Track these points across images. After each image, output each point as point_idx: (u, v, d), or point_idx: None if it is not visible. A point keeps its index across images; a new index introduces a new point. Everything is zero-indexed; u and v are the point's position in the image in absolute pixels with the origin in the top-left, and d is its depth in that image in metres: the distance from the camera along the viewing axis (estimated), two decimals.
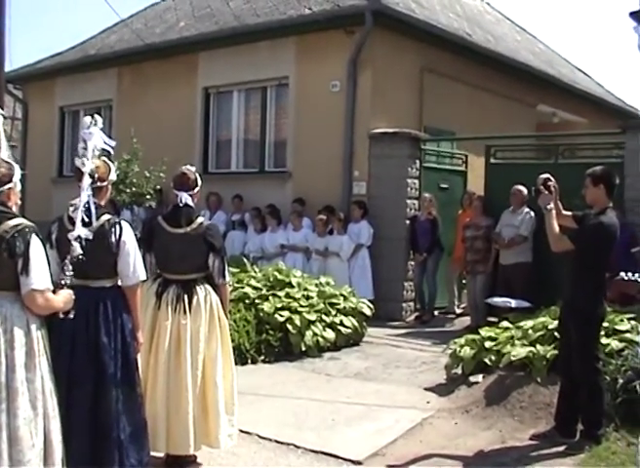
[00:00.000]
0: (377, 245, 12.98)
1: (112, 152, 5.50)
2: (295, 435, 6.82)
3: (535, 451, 6.46)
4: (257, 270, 11.77)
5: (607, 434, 6.47)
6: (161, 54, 16.34)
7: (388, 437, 6.86)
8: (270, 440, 6.72)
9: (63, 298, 4.51)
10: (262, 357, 9.85)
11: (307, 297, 10.76)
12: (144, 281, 5.89)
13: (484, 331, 8.70)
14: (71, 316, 4.60)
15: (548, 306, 8.71)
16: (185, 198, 5.96)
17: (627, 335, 7.52)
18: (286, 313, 10.23)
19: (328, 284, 11.41)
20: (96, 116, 5.22)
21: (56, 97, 19.31)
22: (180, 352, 5.73)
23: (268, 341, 9.98)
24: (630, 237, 10.13)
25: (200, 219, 5.95)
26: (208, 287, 5.92)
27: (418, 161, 13.31)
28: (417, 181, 13.27)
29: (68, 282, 4.58)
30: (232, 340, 9.43)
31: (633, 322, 7.81)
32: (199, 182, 6.12)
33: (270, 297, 10.58)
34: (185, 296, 5.81)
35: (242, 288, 10.86)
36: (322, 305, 10.65)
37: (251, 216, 14.20)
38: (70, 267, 4.62)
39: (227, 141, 15.97)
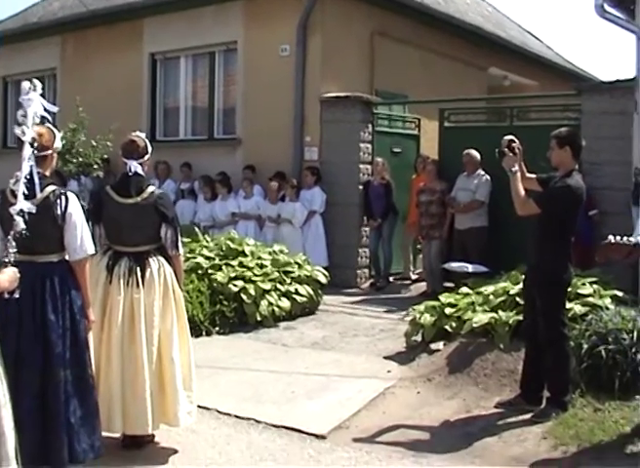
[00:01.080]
0: (330, 211, 12.77)
1: (52, 119, 5.15)
2: (255, 409, 6.61)
3: (501, 420, 6.34)
4: (209, 239, 11.49)
5: (573, 400, 6.35)
6: (105, 20, 15.85)
7: (351, 409, 6.68)
8: (230, 415, 6.50)
9: (8, 277, 4.19)
10: (217, 328, 9.62)
11: (261, 266, 10.51)
12: (94, 254, 5.64)
13: (444, 298, 8.54)
14: (16, 295, 4.30)
15: (507, 271, 8.59)
16: (135, 166, 5.65)
17: (590, 299, 7.44)
18: (240, 283, 9.99)
19: (282, 252, 11.18)
20: (35, 81, 4.87)
21: None
22: (135, 328, 5.45)
23: (223, 312, 9.74)
24: (588, 200, 10.07)
25: (151, 188, 5.65)
26: (161, 259, 5.64)
27: (370, 125, 13.06)
28: (369, 146, 13.03)
29: (12, 259, 4.27)
30: (186, 311, 9.37)
31: (595, 286, 7.71)
32: (149, 150, 5.82)
33: (223, 267, 10.32)
34: (138, 269, 5.52)
35: (194, 258, 10.58)
36: (276, 274, 10.42)
37: (200, 185, 13.87)
38: (14, 243, 4.32)
39: (175, 108, 15.58)
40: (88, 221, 5.20)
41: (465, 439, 5.99)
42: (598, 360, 6.55)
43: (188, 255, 10.64)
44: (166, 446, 5.79)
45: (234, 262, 10.43)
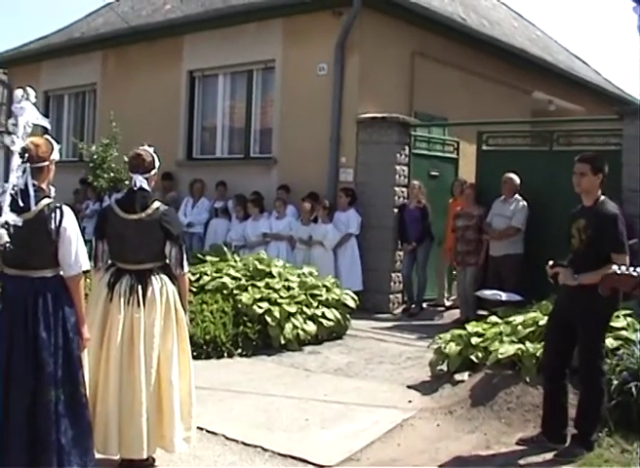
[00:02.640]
0: (364, 234, 12.51)
1: (49, 128, 4.98)
2: (264, 436, 6.34)
3: (522, 458, 5.98)
4: (237, 259, 11.30)
5: (599, 439, 5.99)
6: (146, 37, 15.80)
7: (364, 440, 6.38)
8: (237, 441, 6.24)
9: None
10: (239, 350, 9.38)
11: (288, 288, 10.28)
12: (97, 271, 5.47)
13: (471, 327, 8.22)
14: None
15: (539, 300, 8.25)
16: (140, 181, 5.45)
17: (623, 333, 7.05)
18: (265, 304, 9.76)
19: (311, 274, 10.94)
20: (28, 89, 4.69)
21: (40, 82, 18.70)
22: (134, 348, 5.23)
23: (246, 334, 9.51)
24: (627, 229, 9.69)
25: (156, 204, 5.43)
26: (164, 277, 5.42)
27: (407, 147, 12.79)
28: (406, 168, 12.76)
29: None
30: (207, 333, 9.20)
31: (630, 319, 7.33)
32: (156, 164, 5.62)
33: (249, 288, 10.12)
34: (139, 288, 5.31)
35: (220, 277, 10.43)
36: (303, 296, 10.18)
37: (234, 204, 13.71)
38: None
39: (212, 126, 15.48)
40: (93, 237, 5.02)
41: None
42: (628, 397, 6.21)
43: (215, 275, 10.54)
44: None
45: (261, 283, 10.23)
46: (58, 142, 4.80)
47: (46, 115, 18.40)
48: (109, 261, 5.53)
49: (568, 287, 5.97)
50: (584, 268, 5.85)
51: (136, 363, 5.22)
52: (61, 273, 4.68)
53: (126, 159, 13.02)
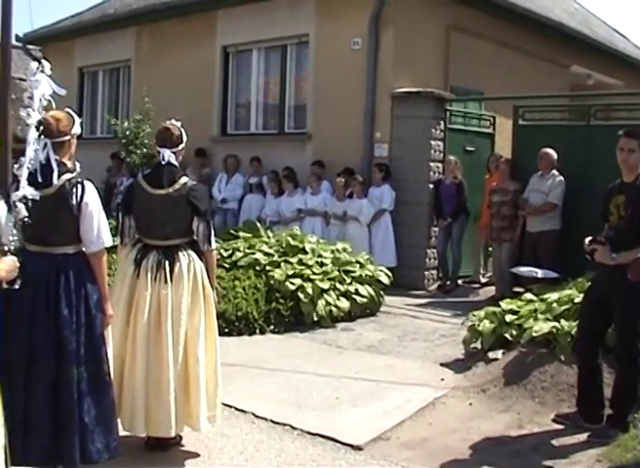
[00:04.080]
0: (398, 210, 12.37)
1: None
2: (293, 415, 6.28)
3: (555, 438, 5.88)
4: (270, 235, 11.24)
5: (635, 420, 5.86)
6: (179, 12, 15.67)
7: (395, 418, 6.29)
8: (266, 419, 6.18)
9: (6, 266, 3.91)
10: (272, 327, 9.35)
11: (321, 264, 10.20)
12: (124, 246, 5.42)
13: (505, 304, 8.08)
14: (16, 286, 4.04)
15: (575, 278, 8.10)
16: (168, 155, 5.37)
17: None
18: (298, 281, 9.70)
19: (345, 250, 10.85)
20: (43, 61, 4.60)
21: (75, 58, 18.77)
22: (161, 325, 5.17)
23: (278, 310, 9.47)
24: None
25: (184, 180, 5.34)
26: (192, 253, 5.34)
27: (442, 122, 12.60)
28: (441, 143, 12.58)
29: (12, 248, 3.99)
30: (240, 309, 9.16)
31: None
32: (184, 138, 5.53)
33: (282, 264, 10.07)
34: (167, 264, 5.24)
35: (253, 254, 10.38)
36: (336, 273, 10.09)
37: (268, 179, 13.62)
38: (15, 231, 4.05)
39: (247, 102, 15.37)
40: (119, 212, 4.96)
41: (514, 458, 5.55)
42: None
43: (247, 251, 10.50)
44: (191, 449, 5.51)
45: (293, 260, 10.16)
46: (79, 116, 4.72)
47: (81, 92, 18.54)
48: (136, 237, 5.46)
49: (605, 264, 5.82)
50: (623, 246, 5.70)
51: (163, 340, 5.16)
52: (84, 249, 4.62)
53: None
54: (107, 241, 4.62)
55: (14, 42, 20.60)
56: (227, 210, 14.24)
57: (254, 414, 6.28)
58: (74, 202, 4.46)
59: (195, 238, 5.38)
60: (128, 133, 13.16)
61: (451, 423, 6.29)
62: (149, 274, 5.23)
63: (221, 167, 14.66)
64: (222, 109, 15.41)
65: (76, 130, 4.71)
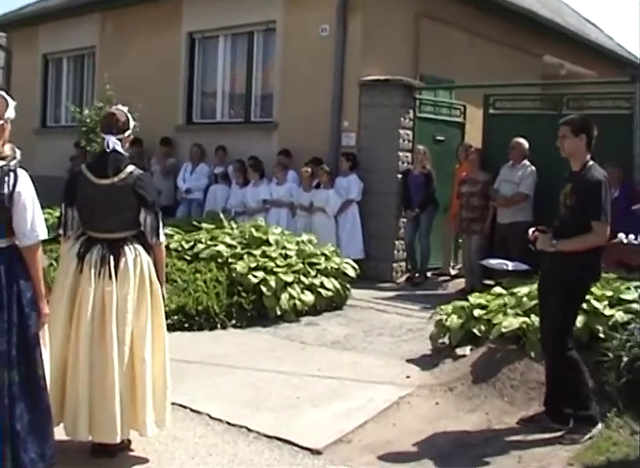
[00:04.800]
0: (366, 200, 12.10)
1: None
2: (250, 416, 5.97)
3: (523, 440, 5.59)
4: (234, 226, 10.92)
5: (608, 420, 5.60)
6: None
7: (358, 419, 5.99)
8: (221, 421, 5.86)
9: None
10: (234, 322, 9.03)
11: (285, 257, 9.90)
12: (66, 240, 5.08)
13: (473, 298, 7.82)
14: None
15: None
16: (113, 142, 5.01)
17: (634, 306, 6.61)
18: (260, 273, 9.38)
19: (310, 242, 10.56)
20: None
21: (39, 45, 18.33)
22: (105, 324, 4.83)
23: (240, 304, 9.16)
24: (630, 193, 9.32)
25: (130, 168, 5.00)
26: (139, 247, 5.01)
27: (411, 111, 12.31)
28: (410, 133, 12.29)
29: None
30: (200, 303, 8.82)
31: None
32: (131, 124, 5.17)
33: (245, 256, 9.74)
34: (111, 258, 4.90)
35: (215, 246, 10.06)
36: (301, 265, 9.79)
37: (234, 169, 13.28)
38: None
39: (213, 90, 15.00)
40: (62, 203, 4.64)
41: (480, 461, 5.27)
42: (639, 375, 5.79)
43: (209, 243, 10.21)
44: (140, 455, 5.17)
45: (257, 252, 9.87)
46: (13, 99, 4.36)
47: (45, 79, 18.09)
48: (80, 230, 5.12)
49: (549, 254, 5.63)
50: (566, 235, 5.54)
51: (107, 340, 4.82)
52: (17, 243, 4.27)
53: None
54: (42, 234, 4.26)
55: None
56: (192, 200, 13.91)
57: (209, 416, 5.96)
58: (6, 191, 4.10)
59: (143, 230, 5.04)
60: (89, 120, 12.74)
61: (416, 424, 6.01)
62: (93, 269, 4.89)
63: (187, 156, 14.30)
64: (188, 97, 15.04)
65: (10, 114, 4.33)
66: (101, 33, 16.66)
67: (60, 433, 4.85)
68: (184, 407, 6.06)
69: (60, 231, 5.13)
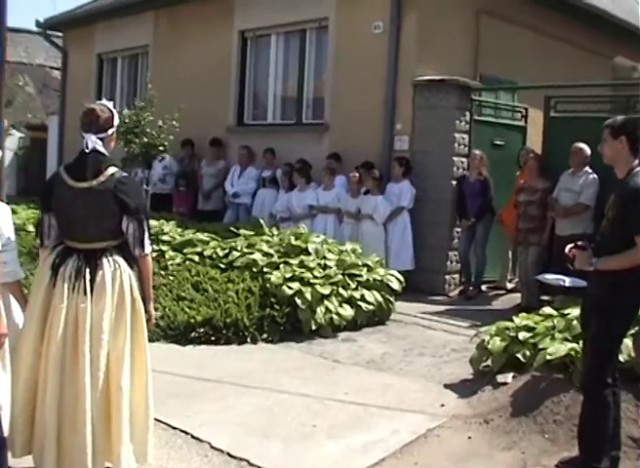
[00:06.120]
0: (418, 208, 11.39)
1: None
2: (256, 447, 5.37)
3: None
4: (274, 233, 10.35)
5: None
6: None
7: (375, 455, 5.33)
8: (222, 452, 5.26)
9: None
10: (265, 336, 8.44)
11: (324, 267, 9.27)
12: (44, 249, 4.56)
13: (519, 319, 7.08)
14: None
15: None
16: (93, 142, 4.44)
17: None
18: (296, 285, 8.78)
19: (354, 251, 9.91)
20: None
21: (94, 45, 18.06)
22: (78, 345, 4.28)
23: (273, 317, 8.56)
24: None
25: (111, 170, 4.44)
26: (119, 259, 4.43)
27: (468, 113, 11.57)
28: (466, 136, 11.55)
29: None
30: (229, 315, 8.24)
31: None
32: (115, 121, 4.58)
33: (281, 266, 9.16)
34: (87, 271, 4.35)
35: (251, 253, 9.50)
36: (340, 277, 9.15)
37: (282, 173, 12.72)
38: None
39: (264, 90, 14.46)
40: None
41: None
42: None
43: (245, 250, 9.66)
44: None
45: (294, 261, 9.27)
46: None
47: (99, 79, 17.81)
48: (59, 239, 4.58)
49: (592, 273, 4.90)
50: (607, 252, 4.79)
51: (80, 362, 4.27)
52: None
53: (160, 123, 12.40)
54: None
55: (30, 27, 20.24)
56: (240, 205, 13.40)
57: (209, 445, 5.37)
58: None
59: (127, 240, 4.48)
60: (127, 121, 12.31)
61: (441, 462, 5.33)
62: (66, 283, 4.34)
63: (236, 159, 13.81)
64: (239, 97, 14.53)
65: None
66: (155, 32, 16.29)
67: (30, 463, 4.35)
68: (186, 432, 5.52)
69: (38, 240, 4.60)
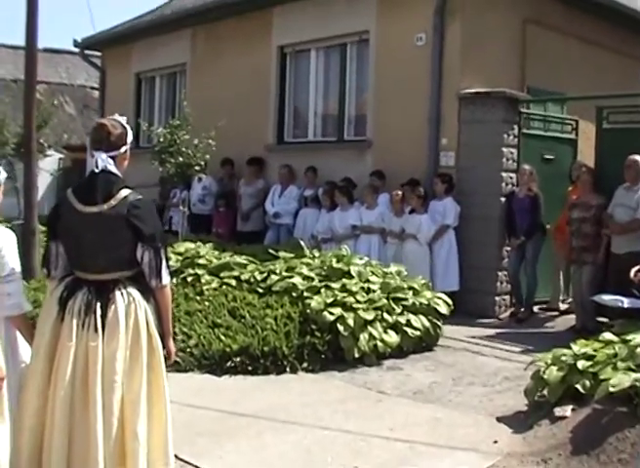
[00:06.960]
0: (465, 226, 10.89)
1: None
2: None
3: None
4: (315, 255, 9.91)
5: None
6: (234, 10, 14.47)
7: None
8: None
9: None
10: (305, 364, 7.98)
11: (368, 291, 8.80)
12: (52, 280, 4.16)
13: (577, 346, 6.55)
14: None
15: None
16: (103, 160, 4.02)
17: None
18: (338, 310, 8.32)
19: (399, 274, 9.43)
20: None
21: (132, 63, 17.85)
22: (88, 388, 3.86)
23: (314, 345, 8.10)
24: None
25: (124, 193, 4.02)
26: (133, 292, 4.00)
27: (516, 126, 11.06)
28: (514, 151, 11.03)
29: None
30: (267, 343, 7.80)
31: None
32: (128, 139, 4.18)
33: (322, 290, 8.70)
34: (98, 306, 3.93)
35: (290, 277, 9.06)
36: (384, 301, 8.67)
37: (324, 191, 12.29)
38: None
39: (305, 106, 14.06)
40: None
41: None
42: None
43: (285, 274, 9.23)
44: None
45: (336, 285, 8.80)
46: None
47: (137, 99, 17.58)
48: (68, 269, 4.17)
49: None
50: None
51: (91, 408, 3.84)
52: None
53: (196, 142, 12.04)
54: None
55: (71, 48, 20.15)
56: (281, 225, 12.98)
57: None
58: None
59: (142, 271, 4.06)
60: (161, 140, 11.96)
61: None
62: (75, 319, 3.92)
63: (276, 178, 13.43)
64: (279, 115, 14.15)
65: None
66: (192, 49, 15.99)
67: None
68: None
69: (44, 271, 4.20)
